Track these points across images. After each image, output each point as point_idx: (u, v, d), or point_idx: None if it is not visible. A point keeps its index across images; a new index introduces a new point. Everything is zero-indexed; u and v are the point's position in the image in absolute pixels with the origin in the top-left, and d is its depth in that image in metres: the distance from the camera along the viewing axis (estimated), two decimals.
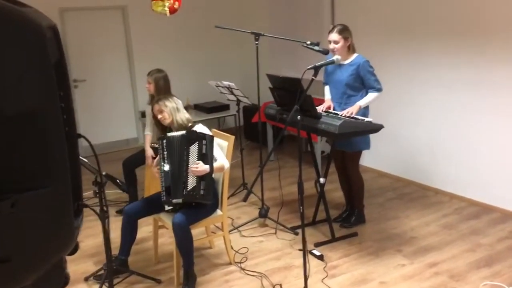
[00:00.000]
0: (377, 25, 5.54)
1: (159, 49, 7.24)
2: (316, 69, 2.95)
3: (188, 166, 3.42)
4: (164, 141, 3.54)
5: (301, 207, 3.02)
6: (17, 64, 1.08)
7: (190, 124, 3.66)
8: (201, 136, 3.45)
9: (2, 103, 1.05)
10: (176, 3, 3.85)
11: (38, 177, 1.11)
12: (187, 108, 7.30)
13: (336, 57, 3.01)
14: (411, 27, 5.15)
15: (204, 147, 3.43)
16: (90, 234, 4.43)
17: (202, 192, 3.43)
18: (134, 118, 7.31)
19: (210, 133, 3.59)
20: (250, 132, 7.23)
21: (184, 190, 3.43)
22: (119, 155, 5.26)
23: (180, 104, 3.74)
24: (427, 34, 5.00)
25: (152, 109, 3.74)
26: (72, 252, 1.42)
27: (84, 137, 1.35)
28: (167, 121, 3.66)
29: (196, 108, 7.38)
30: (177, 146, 3.51)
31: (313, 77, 2.97)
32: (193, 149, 3.43)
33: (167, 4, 3.77)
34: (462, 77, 4.74)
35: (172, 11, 3.88)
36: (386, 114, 5.48)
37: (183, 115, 3.67)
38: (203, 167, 3.38)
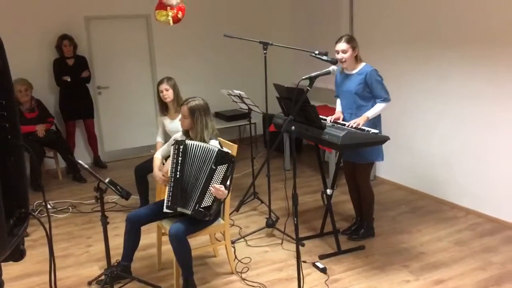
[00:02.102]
0: (394, 37, 5.45)
1: (182, 57, 7.33)
2: (311, 79, 2.91)
3: (210, 184, 3.33)
4: (181, 146, 3.45)
5: (295, 218, 2.98)
6: None
7: (214, 133, 3.59)
8: (232, 160, 3.35)
9: None
10: (180, 13, 3.88)
11: None
12: None
13: (332, 67, 2.97)
14: (428, 39, 5.03)
15: (229, 169, 3.34)
16: (99, 239, 4.49)
17: (211, 212, 3.40)
18: (156, 124, 7.39)
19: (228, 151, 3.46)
20: (269, 140, 7.21)
21: (197, 205, 3.36)
22: (140, 161, 5.31)
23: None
24: (443, 46, 4.87)
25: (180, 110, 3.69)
26: (18, 259, 1.44)
27: (26, 147, 1.37)
28: (186, 126, 3.59)
29: (217, 116, 7.44)
30: (198, 157, 3.40)
31: (308, 88, 2.93)
32: (221, 170, 3.32)
33: (170, 14, 3.81)
34: (478, 90, 4.59)
35: (176, 20, 3.92)
36: (402, 125, 5.38)
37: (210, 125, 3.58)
38: (224, 192, 3.29)
